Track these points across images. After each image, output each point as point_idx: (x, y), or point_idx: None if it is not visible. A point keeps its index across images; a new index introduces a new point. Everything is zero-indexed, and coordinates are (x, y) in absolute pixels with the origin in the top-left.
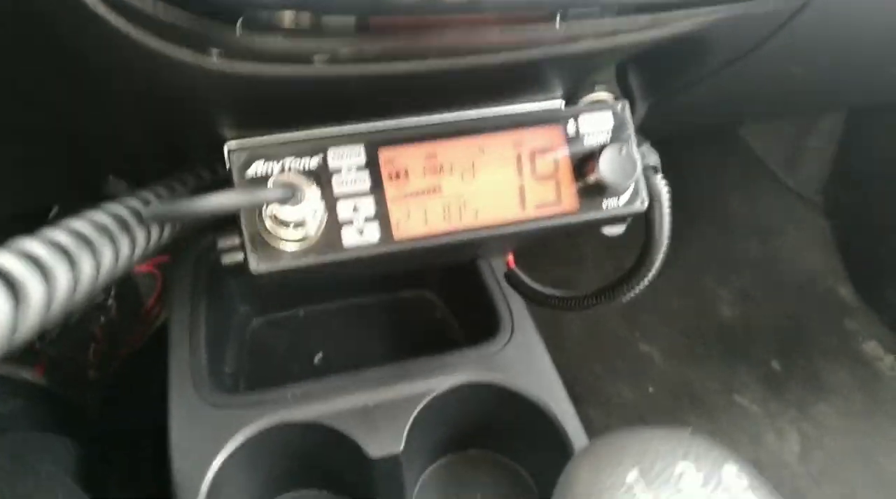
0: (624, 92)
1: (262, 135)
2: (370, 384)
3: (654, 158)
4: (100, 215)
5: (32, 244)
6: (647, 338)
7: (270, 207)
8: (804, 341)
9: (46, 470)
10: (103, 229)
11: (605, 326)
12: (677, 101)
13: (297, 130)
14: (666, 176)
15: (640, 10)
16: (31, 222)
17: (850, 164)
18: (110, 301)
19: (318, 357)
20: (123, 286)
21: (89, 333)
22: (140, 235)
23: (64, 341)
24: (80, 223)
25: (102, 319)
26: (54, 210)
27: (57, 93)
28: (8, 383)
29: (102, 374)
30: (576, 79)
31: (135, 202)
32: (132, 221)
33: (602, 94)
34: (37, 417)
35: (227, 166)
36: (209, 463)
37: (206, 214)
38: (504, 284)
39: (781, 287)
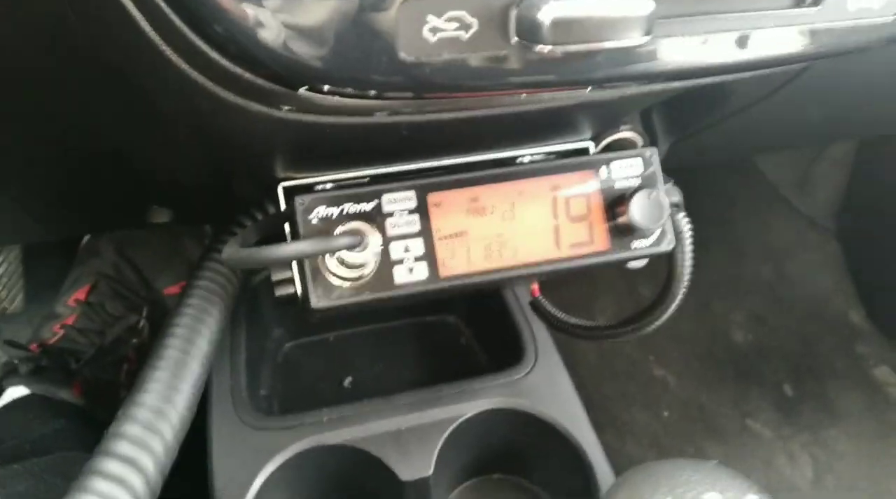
0: (648, 131)
1: (313, 175)
2: (401, 409)
3: (676, 196)
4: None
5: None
6: (660, 362)
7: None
8: (816, 366)
9: None
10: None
11: (620, 350)
12: (698, 138)
13: (346, 169)
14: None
15: (670, 79)
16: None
17: (861, 189)
18: (142, 323)
19: (347, 380)
20: (154, 308)
21: (122, 354)
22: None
23: (98, 362)
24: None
25: (135, 340)
26: (86, 237)
27: (123, 131)
28: (49, 403)
29: None
30: (604, 123)
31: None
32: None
33: (627, 134)
34: (78, 436)
35: (282, 205)
36: (250, 484)
37: (285, 260)
38: (528, 310)
39: (793, 312)
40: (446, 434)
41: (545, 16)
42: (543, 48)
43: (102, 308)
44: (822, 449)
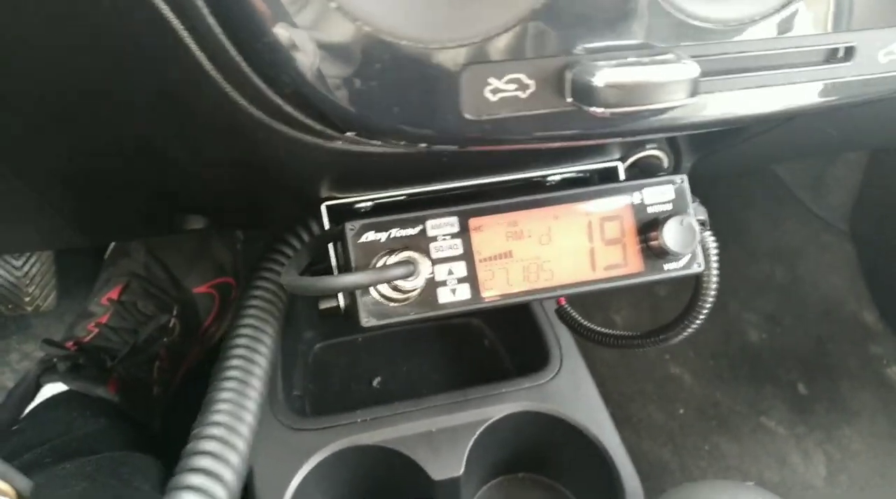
0: (673, 150)
1: (354, 195)
2: (431, 411)
3: (702, 215)
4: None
5: None
6: (676, 361)
7: None
8: (830, 365)
9: (145, 489)
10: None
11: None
12: (720, 155)
13: (385, 190)
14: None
15: (709, 127)
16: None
17: (874, 192)
18: (173, 321)
19: (376, 380)
20: (185, 307)
21: (155, 352)
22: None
23: (132, 360)
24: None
25: (166, 339)
26: (112, 244)
27: (173, 150)
28: (88, 400)
29: (164, 391)
30: (633, 146)
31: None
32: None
33: (653, 152)
34: (120, 435)
35: (325, 223)
36: (288, 483)
37: (344, 290)
38: (552, 315)
39: (807, 312)
40: (476, 436)
41: (599, 81)
42: (596, 110)
43: (135, 307)
44: (836, 447)
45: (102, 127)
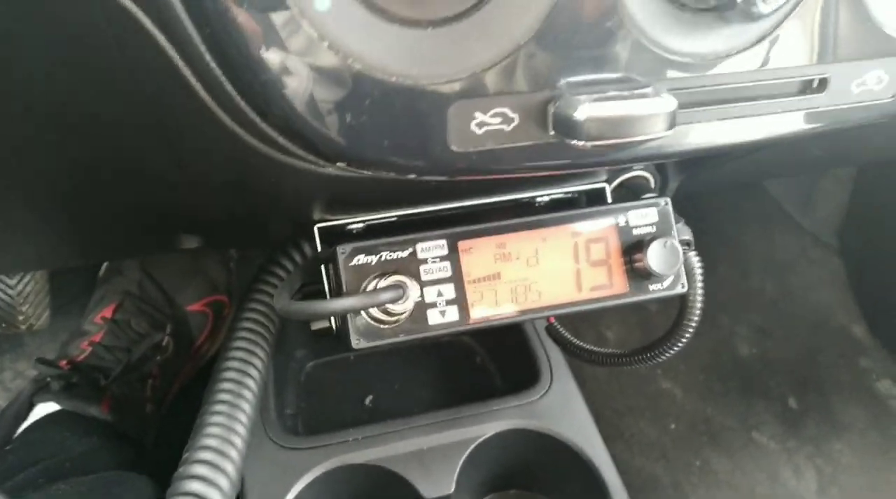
0: (659, 171)
1: (345, 217)
2: (423, 429)
3: (687, 235)
4: None
5: None
6: (667, 375)
7: None
8: (820, 379)
9: None
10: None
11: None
12: (707, 174)
13: (376, 211)
14: (686, 217)
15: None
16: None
17: (862, 207)
18: (166, 339)
19: (368, 399)
20: (179, 325)
21: (148, 370)
22: None
23: (125, 379)
24: None
25: (159, 357)
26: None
27: (165, 172)
28: (81, 420)
29: (157, 409)
30: (619, 170)
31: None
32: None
33: (640, 173)
34: (112, 454)
35: (318, 245)
36: None
37: (335, 314)
38: (542, 332)
39: (797, 326)
40: (466, 454)
41: (580, 115)
42: (577, 142)
43: (128, 326)
44: (826, 461)
45: (98, 151)
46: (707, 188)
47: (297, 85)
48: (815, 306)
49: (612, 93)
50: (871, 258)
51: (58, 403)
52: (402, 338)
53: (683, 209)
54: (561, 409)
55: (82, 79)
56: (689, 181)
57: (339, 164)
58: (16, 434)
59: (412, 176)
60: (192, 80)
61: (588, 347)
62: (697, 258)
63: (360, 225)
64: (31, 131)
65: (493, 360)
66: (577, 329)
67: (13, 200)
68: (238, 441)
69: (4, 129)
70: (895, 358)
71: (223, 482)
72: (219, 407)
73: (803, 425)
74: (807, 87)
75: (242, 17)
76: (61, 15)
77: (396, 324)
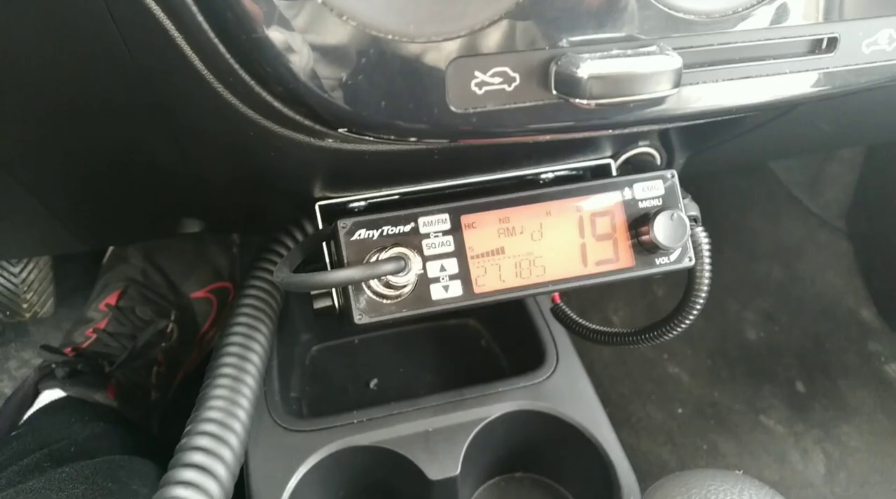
0: (665, 147)
1: (347, 194)
2: (428, 411)
3: (694, 211)
4: None
5: None
6: (674, 360)
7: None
8: (828, 363)
9: (144, 492)
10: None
11: (635, 348)
12: (712, 151)
13: (378, 189)
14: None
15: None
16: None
17: (870, 190)
18: (171, 327)
19: (373, 382)
20: (183, 312)
21: (153, 357)
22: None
23: (130, 365)
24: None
25: (164, 344)
26: (109, 250)
27: (165, 152)
28: (86, 406)
29: (162, 396)
30: (624, 143)
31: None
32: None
33: (645, 149)
34: (117, 439)
35: (319, 223)
36: (285, 484)
37: (336, 285)
38: (548, 314)
39: (805, 310)
40: (472, 435)
41: (583, 72)
42: (581, 101)
43: (133, 313)
44: (834, 445)
45: (97, 131)
46: (712, 168)
47: (294, 45)
48: (822, 290)
49: (615, 51)
50: (879, 242)
51: (63, 389)
52: (405, 313)
53: (690, 193)
54: (567, 390)
55: (78, 57)
56: (696, 159)
57: (339, 130)
58: (22, 420)
59: (412, 139)
60: (189, 51)
61: (594, 326)
62: (704, 233)
63: (362, 203)
64: (31, 118)
65: (497, 342)
66: (584, 313)
67: (14, 186)
68: (242, 414)
69: (4, 116)
70: None
71: (226, 454)
72: (222, 380)
73: (811, 408)
74: (816, 47)
75: None
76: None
77: (399, 299)
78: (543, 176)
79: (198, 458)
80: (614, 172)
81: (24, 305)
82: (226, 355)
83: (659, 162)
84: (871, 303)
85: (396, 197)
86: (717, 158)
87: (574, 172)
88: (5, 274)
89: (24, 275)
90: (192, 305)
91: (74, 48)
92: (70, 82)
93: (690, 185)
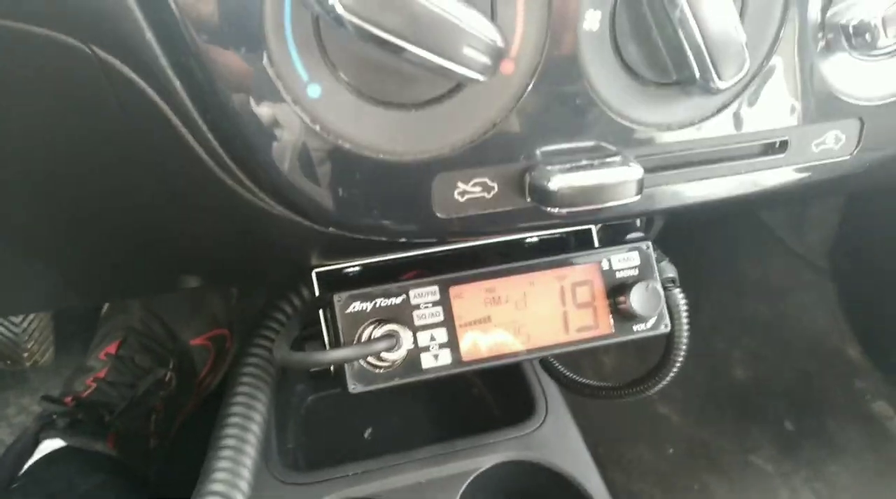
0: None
1: (341, 262)
2: (420, 463)
3: (671, 272)
4: None
5: None
6: (664, 400)
7: None
8: (815, 402)
9: None
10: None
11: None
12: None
13: (370, 256)
14: (680, 243)
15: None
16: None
17: (852, 230)
18: (169, 375)
19: (368, 432)
20: (181, 360)
21: (152, 405)
22: None
23: (130, 414)
24: None
25: (163, 392)
26: (105, 306)
27: (169, 221)
28: (87, 456)
29: (161, 443)
30: None
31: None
32: None
33: None
34: (116, 490)
35: (315, 289)
36: None
37: (333, 364)
38: (538, 366)
39: (791, 348)
40: (464, 486)
41: (553, 185)
42: (552, 210)
43: (132, 361)
44: (823, 484)
45: (100, 201)
46: (692, 223)
47: (293, 162)
48: (809, 329)
49: (583, 162)
50: (861, 280)
51: (63, 439)
52: (396, 381)
53: (676, 234)
54: (556, 440)
55: (86, 137)
56: (675, 218)
57: (331, 229)
58: (21, 471)
59: (402, 240)
60: (199, 151)
61: (581, 380)
62: (682, 295)
63: (357, 268)
64: (34, 181)
65: (489, 391)
66: (575, 356)
67: (16, 244)
68: (243, 485)
69: (8, 180)
70: (889, 379)
71: None
72: (225, 452)
73: (799, 447)
74: (769, 149)
75: (243, 107)
76: (75, 89)
77: (391, 368)
78: (528, 240)
79: None
80: (595, 237)
81: (25, 354)
82: (228, 426)
83: (639, 224)
84: (855, 341)
85: (390, 261)
86: (696, 217)
87: (557, 235)
88: (6, 323)
89: (24, 324)
90: (190, 352)
91: (81, 127)
92: (73, 156)
93: (675, 230)
